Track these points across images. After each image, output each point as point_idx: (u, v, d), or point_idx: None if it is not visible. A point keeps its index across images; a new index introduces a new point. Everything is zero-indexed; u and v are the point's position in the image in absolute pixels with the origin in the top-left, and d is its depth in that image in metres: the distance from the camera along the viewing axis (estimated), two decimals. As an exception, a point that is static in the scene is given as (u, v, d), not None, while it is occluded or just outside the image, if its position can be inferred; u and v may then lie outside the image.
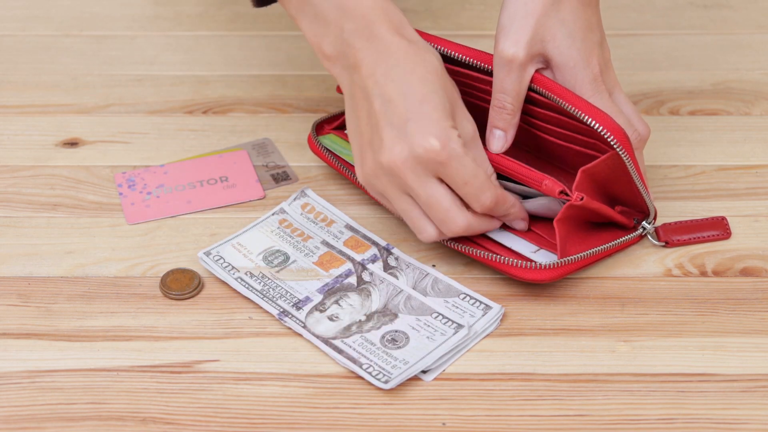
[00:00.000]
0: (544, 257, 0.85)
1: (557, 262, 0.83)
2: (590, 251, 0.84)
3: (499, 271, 0.85)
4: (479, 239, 0.88)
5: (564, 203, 0.83)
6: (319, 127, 0.97)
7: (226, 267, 0.87)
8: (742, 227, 0.91)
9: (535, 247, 0.86)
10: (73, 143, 1.00)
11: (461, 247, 0.86)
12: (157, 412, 0.78)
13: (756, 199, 0.93)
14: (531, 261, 0.83)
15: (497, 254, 0.84)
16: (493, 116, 0.86)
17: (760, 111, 1.02)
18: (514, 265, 0.83)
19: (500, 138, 0.86)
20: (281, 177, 0.97)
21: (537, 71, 0.85)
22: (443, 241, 0.86)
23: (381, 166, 0.81)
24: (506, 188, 0.88)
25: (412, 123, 0.80)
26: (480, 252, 0.85)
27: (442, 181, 0.82)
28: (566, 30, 0.85)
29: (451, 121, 0.81)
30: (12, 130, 1.02)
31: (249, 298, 0.85)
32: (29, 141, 1.01)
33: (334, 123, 0.97)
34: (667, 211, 0.92)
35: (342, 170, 0.93)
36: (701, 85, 1.06)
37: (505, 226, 0.87)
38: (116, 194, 0.95)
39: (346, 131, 0.92)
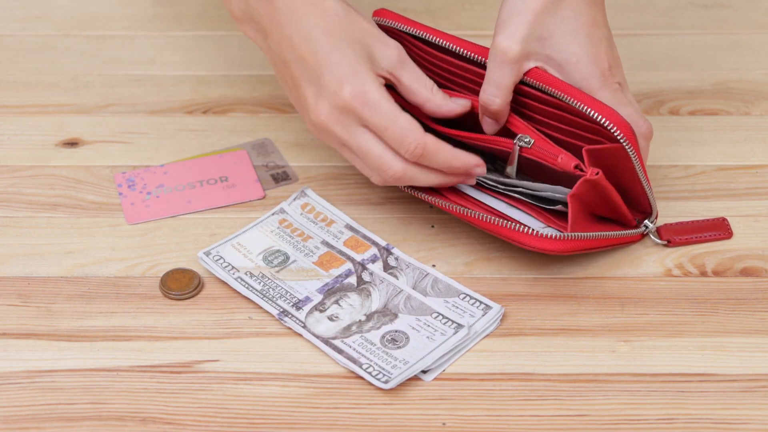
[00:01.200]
0: (551, 233, 0.84)
1: (565, 235, 0.82)
2: (597, 234, 0.84)
3: (506, 239, 0.84)
4: (486, 211, 0.87)
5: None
6: None
7: (226, 267, 0.87)
8: (743, 227, 0.91)
9: (543, 224, 0.86)
10: (73, 143, 1.00)
11: (468, 212, 0.85)
12: (157, 412, 0.78)
13: (756, 199, 0.93)
14: (538, 231, 0.83)
15: (506, 220, 0.84)
16: (482, 108, 0.87)
17: (760, 111, 1.02)
18: (523, 231, 0.83)
19: (492, 123, 0.87)
20: (281, 177, 0.97)
21: (538, 67, 0.85)
22: (452, 207, 0.86)
23: (315, 125, 0.84)
24: (517, 186, 0.88)
25: (325, 75, 0.82)
26: (487, 217, 0.84)
27: (370, 129, 0.83)
28: (567, 27, 0.85)
29: (365, 62, 0.82)
30: (12, 130, 1.02)
31: (249, 298, 0.85)
32: (29, 141, 1.01)
33: None
34: (668, 211, 0.92)
35: None
36: (701, 85, 1.06)
37: (511, 199, 0.87)
38: (116, 194, 0.95)
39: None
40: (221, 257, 0.88)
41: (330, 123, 0.83)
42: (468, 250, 0.89)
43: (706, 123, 1.01)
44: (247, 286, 0.86)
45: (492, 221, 0.84)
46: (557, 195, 0.86)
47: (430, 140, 0.83)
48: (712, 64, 1.08)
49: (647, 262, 0.88)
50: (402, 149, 0.82)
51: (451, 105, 0.87)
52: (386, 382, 0.78)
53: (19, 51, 1.11)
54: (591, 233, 0.84)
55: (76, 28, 1.14)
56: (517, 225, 0.83)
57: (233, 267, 0.87)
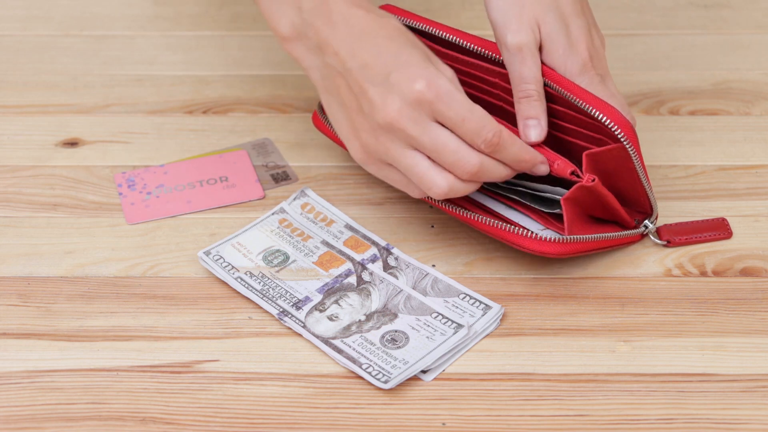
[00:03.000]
0: (551, 236, 0.84)
1: (564, 238, 0.82)
2: (595, 236, 0.84)
3: (505, 241, 0.84)
4: (486, 213, 0.87)
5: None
6: None
7: (226, 267, 0.87)
8: (743, 227, 0.91)
9: (542, 227, 0.86)
10: (73, 143, 1.00)
11: (468, 214, 0.85)
12: (157, 412, 0.78)
13: (756, 199, 0.93)
14: (537, 234, 0.83)
15: (505, 222, 0.84)
16: (522, 108, 0.85)
17: (760, 111, 1.02)
18: (522, 234, 0.83)
19: (535, 126, 0.85)
20: (281, 177, 0.97)
21: (543, 63, 0.86)
22: (452, 208, 0.86)
23: (378, 127, 0.80)
24: (516, 185, 0.88)
25: (394, 74, 0.79)
26: (487, 219, 0.84)
27: (443, 125, 0.80)
28: (556, 13, 0.85)
29: (431, 64, 0.80)
30: (12, 130, 1.02)
31: (249, 298, 0.85)
32: (29, 141, 1.01)
33: None
34: (667, 211, 0.92)
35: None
36: (701, 85, 1.06)
37: (510, 201, 0.87)
38: (116, 194, 0.95)
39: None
40: (221, 257, 0.88)
41: (401, 118, 0.79)
42: (468, 250, 0.89)
43: (706, 123, 1.01)
44: (247, 285, 0.86)
45: (491, 224, 0.84)
46: (556, 196, 0.86)
47: (505, 131, 0.80)
48: (712, 64, 1.08)
49: (647, 262, 0.88)
50: (479, 139, 0.80)
51: (514, 137, 0.83)
52: (386, 382, 0.78)
53: (19, 51, 1.11)
54: (590, 236, 0.84)
55: (76, 28, 1.14)
56: (516, 228, 0.83)
57: (233, 267, 0.87)
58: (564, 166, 0.83)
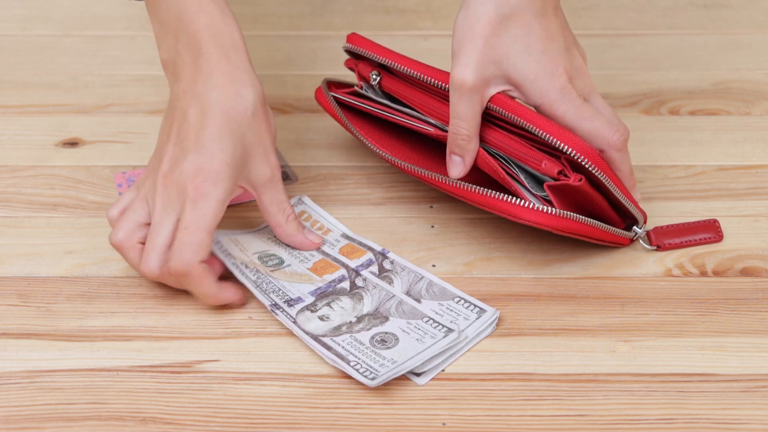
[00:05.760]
0: (545, 207, 0.83)
1: (558, 212, 0.82)
2: (589, 220, 0.83)
3: (498, 211, 0.83)
4: (492, 168, 0.86)
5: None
6: (330, 87, 0.96)
7: (224, 252, 0.87)
8: (742, 227, 0.91)
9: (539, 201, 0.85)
10: (73, 143, 1.00)
11: (463, 185, 0.84)
12: (157, 412, 0.78)
13: (756, 199, 0.93)
14: (531, 202, 0.82)
15: (500, 192, 0.83)
16: (450, 142, 0.85)
17: (760, 111, 1.03)
18: (516, 203, 0.82)
19: (458, 164, 0.86)
20: (281, 177, 0.97)
21: (501, 93, 0.85)
22: (444, 180, 0.86)
23: (155, 174, 0.83)
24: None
25: (191, 154, 0.82)
26: (481, 189, 0.84)
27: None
28: (520, 45, 0.83)
29: (233, 168, 0.83)
30: (12, 130, 1.02)
31: (245, 285, 0.85)
32: (29, 141, 1.01)
33: (343, 88, 0.96)
34: (667, 212, 0.92)
35: (347, 126, 0.92)
36: (701, 85, 1.06)
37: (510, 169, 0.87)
38: (116, 194, 0.95)
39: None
40: (219, 241, 0.87)
41: (162, 186, 0.82)
42: (468, 250, 0.89)
43: (706, 123, 1.01)
44: (242, 273, 0.85)
45: (485, 192, 0.83)
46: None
47: (200, 269, 0.82)
48: (712, 64, 1.08)
49: (647, 262, 0.88)
50: (177, 252, 0.81)
51: (301, 237, 0.88)
52: (373, 379, 0.78)
53: (19, 51, 1.11)
54: (583, 217, 0.83)
55: (76, 28, 1.14)
56: (510, 197, 0.82)
57: (230, 254, 0.87)
58: (551, 166, 0.82)
